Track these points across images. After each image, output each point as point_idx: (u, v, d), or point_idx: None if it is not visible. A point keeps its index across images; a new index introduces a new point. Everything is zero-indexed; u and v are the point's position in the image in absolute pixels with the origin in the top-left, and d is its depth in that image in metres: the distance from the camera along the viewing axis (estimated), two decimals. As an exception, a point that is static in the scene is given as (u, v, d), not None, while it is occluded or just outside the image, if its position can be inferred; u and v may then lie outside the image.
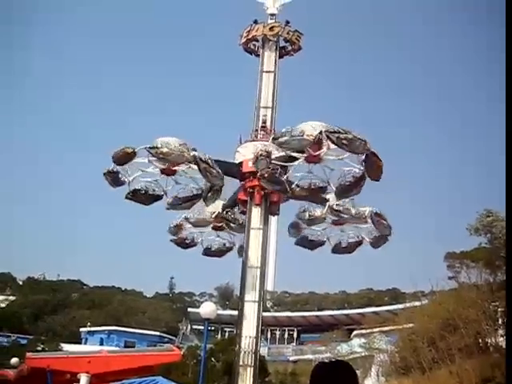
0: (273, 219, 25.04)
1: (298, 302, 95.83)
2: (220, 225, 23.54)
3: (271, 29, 24.07)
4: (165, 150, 19.06)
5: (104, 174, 20.45)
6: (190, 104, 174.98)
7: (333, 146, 18.26)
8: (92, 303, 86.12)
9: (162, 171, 20.77)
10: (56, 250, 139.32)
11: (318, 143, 18.23)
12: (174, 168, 20.61)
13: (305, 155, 18.90)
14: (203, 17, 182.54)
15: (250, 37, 24.28)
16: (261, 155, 18.81)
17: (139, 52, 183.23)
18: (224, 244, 24.87)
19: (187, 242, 24.70)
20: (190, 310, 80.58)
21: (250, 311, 19.72)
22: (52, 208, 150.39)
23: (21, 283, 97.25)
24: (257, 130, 22.27)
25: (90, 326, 75.17)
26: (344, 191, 19.43)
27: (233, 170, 20.96)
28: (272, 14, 25.07)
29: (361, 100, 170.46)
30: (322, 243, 23.22)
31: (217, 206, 22.54)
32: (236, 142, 21.79)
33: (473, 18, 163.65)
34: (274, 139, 19.01)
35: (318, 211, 21.32)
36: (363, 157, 18.33)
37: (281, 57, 24.44)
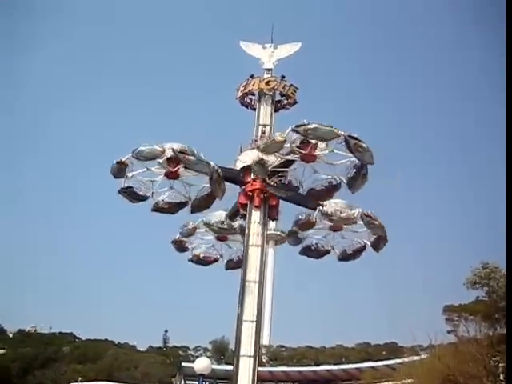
0: (268, 272, 25.02)
1: (294, 357, 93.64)
2: (175, 170, 20.95)
3: (267, 83, 24.65)
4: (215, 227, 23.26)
5: (172, 241, 24.45)
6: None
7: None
8: (84, 357, 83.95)
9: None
10: (48, 302, 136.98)
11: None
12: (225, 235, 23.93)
13: (298, 155, 20.83)
14: (201, 71, 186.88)
15: (246, 91, 24.87)
16: (257, 163, 20.64)
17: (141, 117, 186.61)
18: (177, 197, 22.78)
19: (137, 192, 21.79)
20: (183, 364, 78.49)
21: (246, 366, 19.34)
22: (44, 258, 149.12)
23: (11, 336, 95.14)
24: (256, 141, 23.17)
25: (81, 381, 72.98)
26: (354, 183, 21.33)
27: (234, 176, 21.98)
28: (268, 69, 25.74)
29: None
30: (327, 252, 23.65)
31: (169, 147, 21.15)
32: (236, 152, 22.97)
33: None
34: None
35: (311, 216, 22.12)
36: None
37: (276, 110, 24.94)
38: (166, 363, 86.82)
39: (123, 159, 20.73)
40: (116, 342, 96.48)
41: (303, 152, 20.41)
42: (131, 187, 21.75)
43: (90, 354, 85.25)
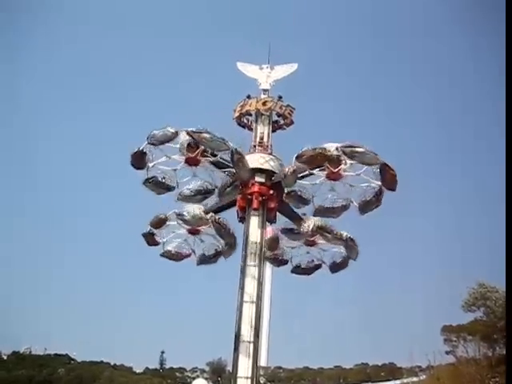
0: (266, 292, 25.05)
1: (292, 378, 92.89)
2: (195, 228, 24.27)
3: (264, 103, 24.70)
4: (187, 217, 22.14)
5: (143, 235, 23.85)
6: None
7: (349, 162, 20.38)
8: (79, 379, 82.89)
9: (189, 231, 24.14)
10: (43, 323, 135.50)
11: (336, 159, 20.42)
12: (198, 228, 23.82)
13: (325, 172, 20.89)
14: (197, 90, 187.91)
15: (243, 111, 24.88)
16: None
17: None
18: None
19: (162, 181, 22.76)
20: (180, 386, 77.94)
21: (243, 388, 19.12)
22: (39, 279, 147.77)
23: (5, 358, 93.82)
24: (255, 146, 24.05)
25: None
26: (367, 206, 21.44)
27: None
28: (265, 90, 25.84)
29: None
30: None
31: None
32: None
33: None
34: (297, 157, 20.66)
35: (305, 226, 21.85)
36: (378, 170, 20.31)
37: (273, 131, 24.96)
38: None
39: (141, 148, 21.69)
40: (112, 364, 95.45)
41: (332, 170, 20.82)
42: (155, 176, 22.49)
43: (85, 376, 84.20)
